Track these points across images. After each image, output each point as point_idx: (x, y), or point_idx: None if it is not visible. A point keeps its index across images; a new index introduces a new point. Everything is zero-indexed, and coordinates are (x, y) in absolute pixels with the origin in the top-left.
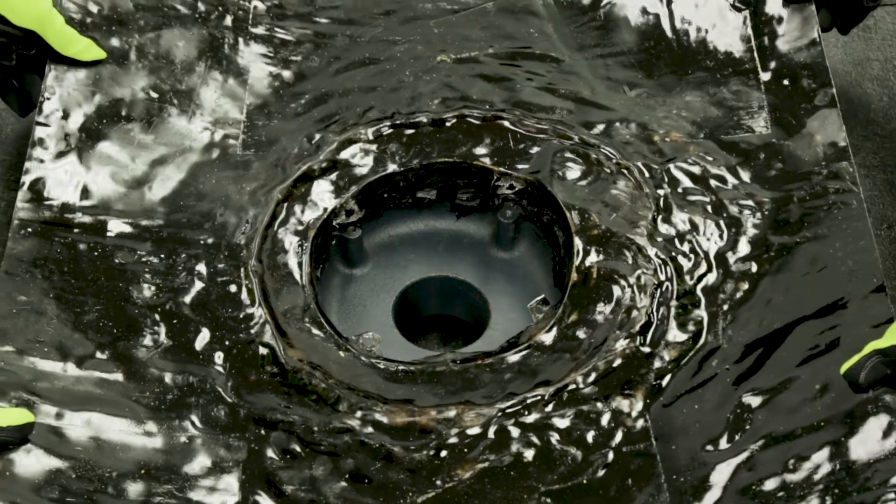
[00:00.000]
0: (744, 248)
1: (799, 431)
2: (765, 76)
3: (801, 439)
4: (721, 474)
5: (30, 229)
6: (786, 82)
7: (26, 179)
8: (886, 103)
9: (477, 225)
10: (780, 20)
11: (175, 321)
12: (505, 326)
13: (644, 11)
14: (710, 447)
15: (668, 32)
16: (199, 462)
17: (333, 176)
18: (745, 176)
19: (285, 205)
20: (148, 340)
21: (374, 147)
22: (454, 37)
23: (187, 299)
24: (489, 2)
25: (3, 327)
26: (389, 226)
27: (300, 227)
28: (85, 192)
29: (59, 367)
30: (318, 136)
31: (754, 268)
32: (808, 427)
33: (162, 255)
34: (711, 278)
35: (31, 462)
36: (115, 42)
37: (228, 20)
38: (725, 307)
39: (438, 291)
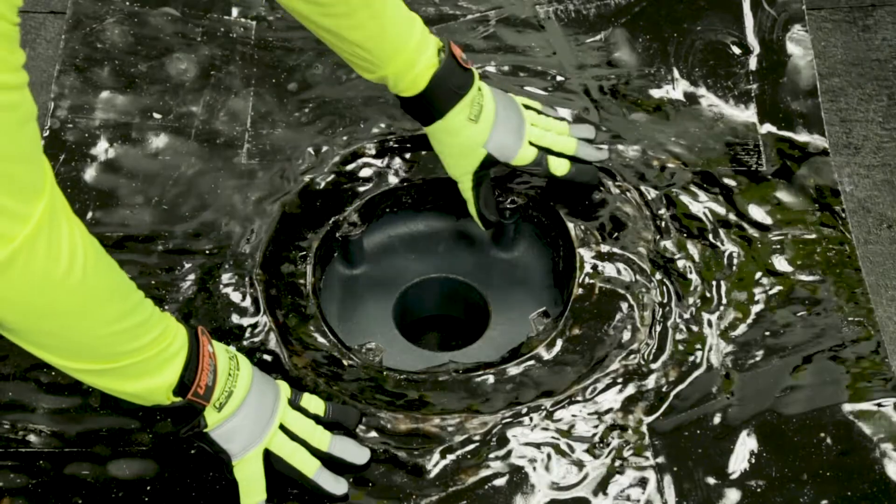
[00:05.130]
0: (741, 278)
1: (805, 477)
2: (761, 117)
3: (807, 485)
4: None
5: None
6: (782, 125)
7: None
8: (886, 103)
9: (477, 225)
10: (782, 67)
11: None
12: (504, 327)
13: (647, 38)
14: (713, 476)
15: (671, 61)
16: (205, 468)
17: (337, 188)
18: (741, 208)
19: (290, 215)
20: None
21: (377, 161)
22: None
23: (193, 309)
24: (491, 10)
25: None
26: (389, 226)
27: (304, 238)
28: (91, 209)
29: (68, 386)
30: (324, 149)
31: (751, 298)
32: (812, 473)
33: (167, 267)
34: (709, 304)
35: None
36: (122, 70)
37: (231, 36)
38: (723, 333)
39: (438, 292)
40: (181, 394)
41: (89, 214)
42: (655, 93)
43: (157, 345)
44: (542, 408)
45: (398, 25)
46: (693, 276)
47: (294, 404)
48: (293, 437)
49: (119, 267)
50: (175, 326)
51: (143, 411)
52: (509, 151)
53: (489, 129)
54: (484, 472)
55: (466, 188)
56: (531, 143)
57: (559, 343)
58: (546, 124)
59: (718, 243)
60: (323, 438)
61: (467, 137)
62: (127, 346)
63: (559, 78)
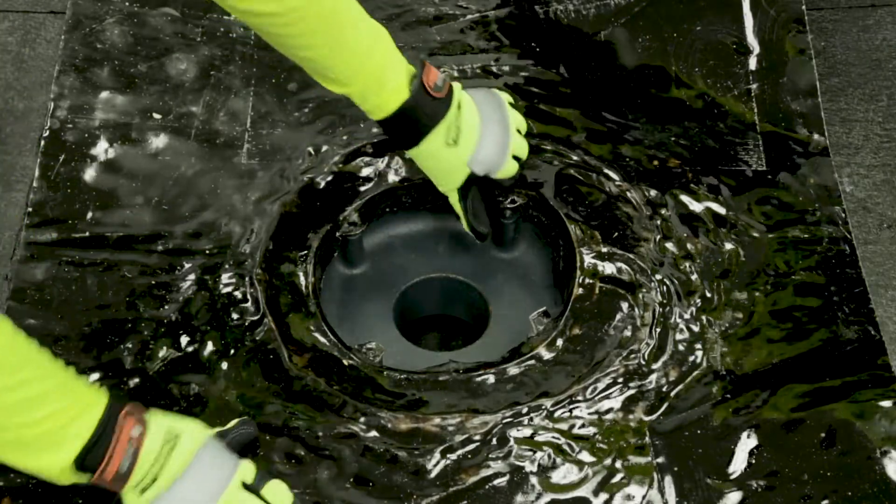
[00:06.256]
0: (741, 278)
1: (805, 477)
2: (761, 117)
3: (807, 485)
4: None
5: (36, 252)
6: (782, 125)
7: (32, 202)
8: (886, 103)
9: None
10: (782, 67)
11: (181, 332)
12: (505, 326)
13: (647, 38)
14: (714, 476)
15: (671, 61)
16: None
17: (337, 188)
18: (741, 207)
19: (289, 215)
20: (155, 353)
21: (377, 160)
22: (456, 46)
23: (193, 310)
24: (490, 10)
25: None
26: (389, 226)
27: (304, 238)
28: (91, 209)
29: None
30: (324, 148)
31: (751, 298)
32: (813, 473)
33: (167, 267)
34: (709, 304)
35: None
36: (122, 70)
37: (231, 36)
38: (723, 333)
39: (438, 292)
40: (86, 472)
41: (89, 214)
42: (656, 93)
43: (45, 424)
44: (543, 408)
45: (357, 47)
46: (693, 277)
47: (253, 489)
48: None
49: (14, 341)
50: (85, 406)
51: None
52: (494, 166)
53: (471, 149)
54: (484, 472)
55: (454, 201)
56: (514, 157)
57: (559, 343)
58: (521, 122)
59: (718, 243)
60: None
61: (447, 160)
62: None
63: (559, 78)
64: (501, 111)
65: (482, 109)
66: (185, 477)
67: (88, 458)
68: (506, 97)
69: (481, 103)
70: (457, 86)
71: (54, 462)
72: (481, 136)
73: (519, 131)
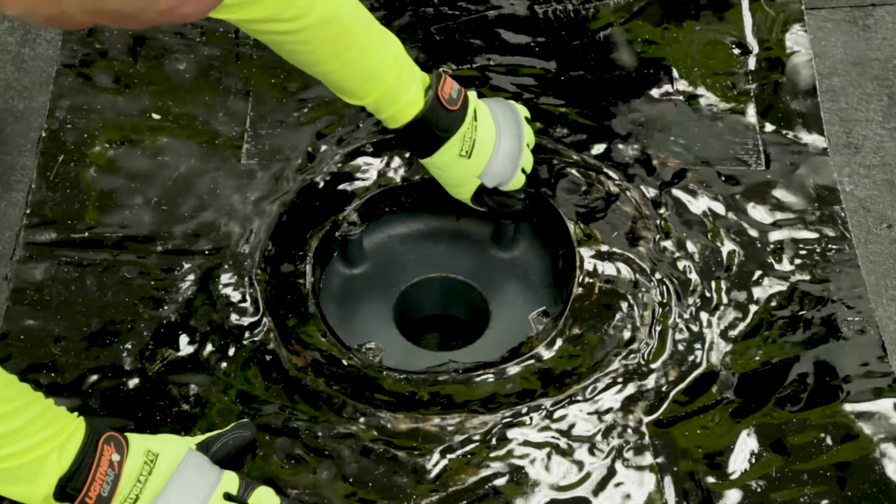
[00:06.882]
0: (741, 278)
1: (805, 477)
2: (761, 116)
3: (807, 485)
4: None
5: (36, 252)
6: (782, 125)
7: (31, 203)
8: (886, 103)
9: (477, 225)
10: (781, 67)
11: (181, 332)
12: (505, 326)
13: (647, 38)
14: (714, 476)
15: (669, 61)
16: None
17: (336, 188)
18: (741, 207)
19: (289, 215)
20: (155, 354)
21: (376, 160)
22: (454, 45)
23: (192, 310)
24: (490, 10)
25: (13, 350)
26: (389, 226)
27: (304, 237)
28: (91, 209)
29: (67, 387)
30: (323, 149)
31: (751, 298)
32: (813, 473)
33: (167, 267)
34: (709, 304)
35: None
36: (122, 70)
37: (230, 36)
38: (723, 333)
39: (438, 292)
40: (66, 500)
41: (89, 215)
42: (655, 93)
43: (22, 457)
44: (542, 408)
45: (371, 62)
46: (693, 276)
47: (238, 499)
48: None
49: None
50: (64, 436)
51: (143, 413)
52: (503, 179)
53: (484, 163)
54: (484, 472)
55: (471, 206)
56: (522, 170)
57: (559, 343)
58: (531, 137)
59: (718, 243)
60: None
61: (458, 172)
62: None
63: (559, 77)
64: (518, 126)
65: (499, 122)
66: (165, 494)
67: (69, 486)
68: (523, 111)
69: (498, 115)
70: (472, 95)
71: (36, 491)
72: (495, 149)
73: (528, 146)
